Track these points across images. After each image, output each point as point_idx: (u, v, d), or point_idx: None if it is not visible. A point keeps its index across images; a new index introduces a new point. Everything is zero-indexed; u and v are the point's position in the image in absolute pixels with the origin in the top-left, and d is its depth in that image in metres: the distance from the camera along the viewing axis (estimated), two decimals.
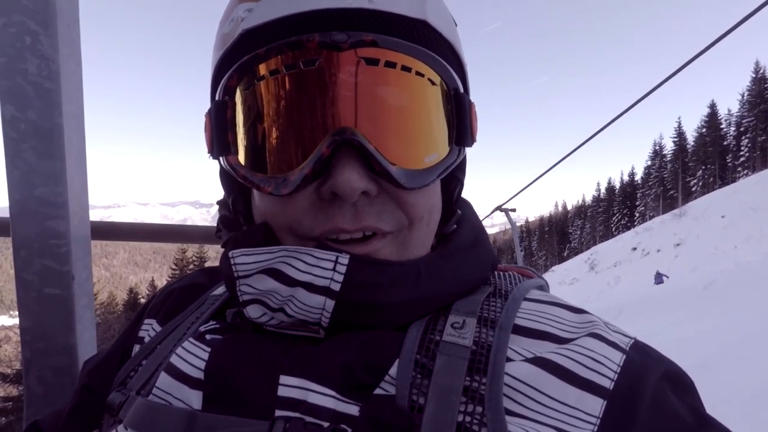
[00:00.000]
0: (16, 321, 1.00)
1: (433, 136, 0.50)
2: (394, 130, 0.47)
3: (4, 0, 0.89)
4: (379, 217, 0.48)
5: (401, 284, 0.47)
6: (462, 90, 0.52)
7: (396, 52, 0.46)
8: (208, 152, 0.53)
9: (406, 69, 0.47)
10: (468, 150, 0.56)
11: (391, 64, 0.46)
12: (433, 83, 0.49)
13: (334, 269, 0.46)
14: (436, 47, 0.50)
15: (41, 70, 0.91)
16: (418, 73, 0.47)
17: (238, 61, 0.48)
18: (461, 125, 0.52)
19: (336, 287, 0.46)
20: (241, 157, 0.49)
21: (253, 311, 0.49)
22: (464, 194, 0.63)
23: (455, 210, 0.60)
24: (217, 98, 0.50)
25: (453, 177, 0.58)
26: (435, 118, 0.50)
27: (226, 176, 0.57)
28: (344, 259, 0.46)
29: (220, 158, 0.51)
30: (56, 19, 0.91)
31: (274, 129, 0.47)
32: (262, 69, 0.46)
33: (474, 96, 0.57)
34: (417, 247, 0.52)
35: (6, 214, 0.98)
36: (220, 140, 0.50)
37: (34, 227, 0.94)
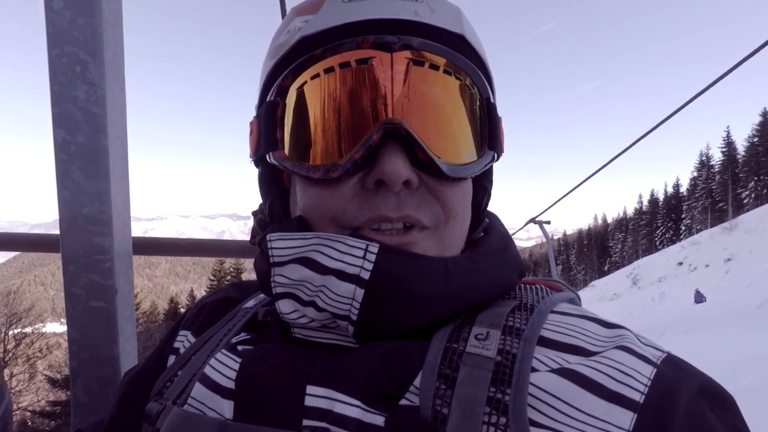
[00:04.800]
0: (66, 328, 1.05)
1: (470, 136, 0.54)
2: (437, 124, 0.51)
3: (57, 32, 0.96)
4: (418, 208, 0.50)
5: (429, 278, 0.48)
6: (492, 101, 0.56)
7: (439, 57, 0.51)
8: (252, 155, 0.57)
9: (447, 72, 0.51)
10: (501, 160, 0.60)
11: (434, 66, 0.51)
12: (469, 88, 0.53)
13: (364, 257, 0.47)
14: (470, 59, 0.54)
15: (89, 96, 0.97)
16: (457, 77, 0.52)
17: (294, 63, 0.52)
18: (492, 131, 0.56)
19: (366, 275, 0.46)
20: (289, 151, 0.52)
21: (284, 306, 0.50)
22: (497, 206, 0.67)
23: (482, 218, 0.61)
24: (268, 100, 0.54)
25: (480, 186, 0.60)
26: (471, 119, 0.54)
27: (265, 180, 0.60)
28: (374, 248, 0.47)
29: (268, 155, 0.54)
30: (103, 48, 0.97)
31: (326, 121, 0.50)
32: (318, 68, 0.50)
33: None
34: (452, 246, 0.54)
35: (49, 229, 1.04)
36: (268, 138, 0.53)
37: (81, 243, 1.00)
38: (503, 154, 0.59)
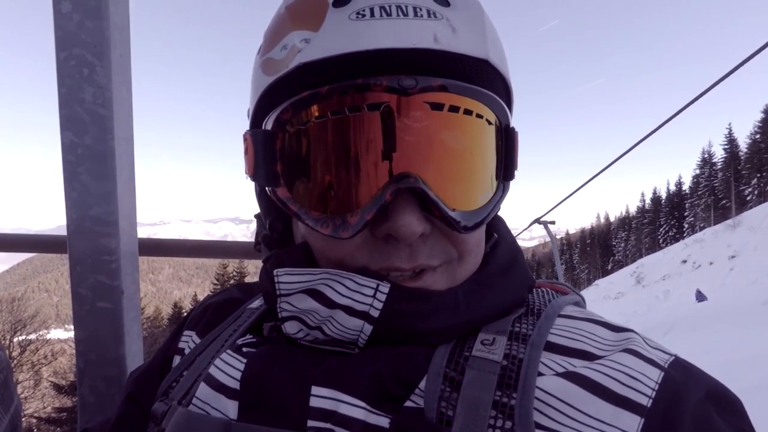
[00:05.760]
0: (70, 334, 1.06)
1: (487, 177, 0.51)
2: (454, 174, 0.48)
3: (65, 35, 0.97)
4: (430, 254, 0.48)
5: (440, 313, 0.48)
6: (512, 126, 0.53)
7: (461, 96, 0.46)
8: (249, 175, 0.53)
9: (468, 112, 0.47)
10: None
11: (454, 108, 0.46)
12: (490, 123, 0.49)
13: (374, 296, 0.47)
14: (493, 84, 0.50)
15: (96, 98, 0.98)
16: (478, 115, 0.48)
17: (293, 92, 0.47)
18: (509, 161, 0.52)
19: (375, 313, 0.46)
20: (292, 192, 0.49)
21: (290, 327, 0.51)
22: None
23: (491, 232, 0.60)
24: (265, 127, 0.50)
25: None
26: (489, 158, 0.51)
27: (265, 198, 0.57)
28: (384, 288, 0.47)
29: (267, 189, 0.51)
30: (110, 50, 0.98)
31: (332, 170, 0.46)
32: (323, 108, 0.45)
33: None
34: (464, 277, 0.52)
35: (57, 233, 1.04)
36: (267, 170, 0.49)
37: (88, 244, 1.00)
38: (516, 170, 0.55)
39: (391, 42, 0.44)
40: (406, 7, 0.44)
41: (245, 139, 0.53)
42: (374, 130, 0.45)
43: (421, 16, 0.45)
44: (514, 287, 0.53)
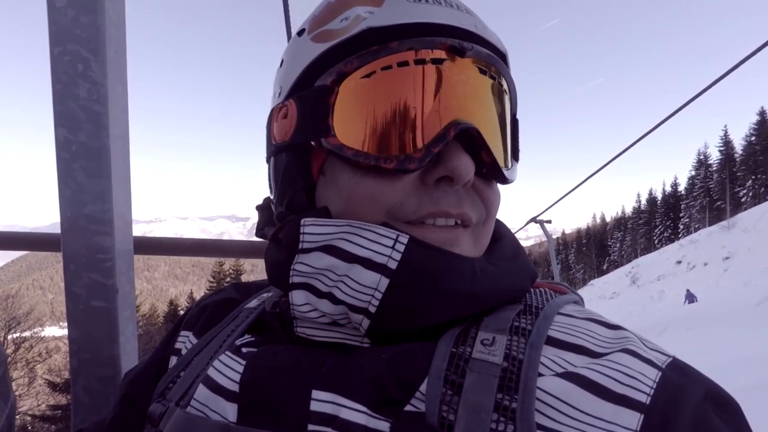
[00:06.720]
0: (65, 332, 1.05)
1: (509, 146, 0.58)
2: (496, 132, 0.55)
3: (59, 30, 0.96)
4: (472, 206, 0.53)
5: (456, 275, 0.48)
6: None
7: (497, 70, 0.55)
8: (284, 140, 0.55)
9: (500, 85, 0.56)
10: None
11: (493, 77, 0.54)
12: (511, 103, 0.58)
13: (393, 247, 0.47)
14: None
15: (91, 94, 0.97)
16: (505, 91, 0.57)
17: (355, 51, 0.51)
18: (517, 144, 0.60)
19: (393, 265, 0.47)
20: (345, 140, 0.51)
21: (297, 297, 0.50)
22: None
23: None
24: (318, 84, 0.52)
25: None
26: (511, 132, 0.59)
27: (291, 169, 0.57)
28: (404, 239, 0.47)
29: (314, 142, 0.52)
30: (105, 46, 0.97)
31: (397, 114, 0.50)
32: (390, 60, 0.50)
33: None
34: (483, 245, 0.56)
35: (52, 230, 1.03)
36: (317, 124, 0.52)
37: (82, 243, 0.99)
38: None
39: (446, 20, 0.52)
40: (453, 2, 0.55)
41: (282, 108, 0.56)
42: (437, 81, 0.50)
43: (463, 11, 0.55)
44: (520, 273, 0.55)
